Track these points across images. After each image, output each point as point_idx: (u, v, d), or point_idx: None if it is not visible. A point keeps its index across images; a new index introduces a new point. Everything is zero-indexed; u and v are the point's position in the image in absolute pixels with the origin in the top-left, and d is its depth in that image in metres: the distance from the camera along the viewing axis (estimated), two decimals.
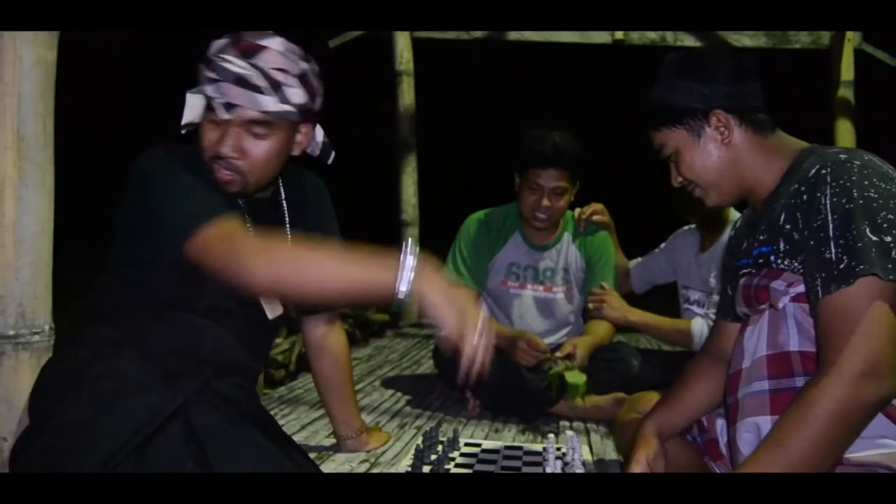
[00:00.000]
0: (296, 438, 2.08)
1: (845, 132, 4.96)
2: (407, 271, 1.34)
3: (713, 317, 2.59)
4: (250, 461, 1.41)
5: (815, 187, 1.33)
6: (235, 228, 1.45)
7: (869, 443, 1.28)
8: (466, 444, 2.18)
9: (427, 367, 3.53)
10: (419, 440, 2.10)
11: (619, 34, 4.95)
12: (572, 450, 1.94)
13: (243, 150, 1.54)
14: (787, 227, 1.38)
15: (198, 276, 1.46)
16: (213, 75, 1.51)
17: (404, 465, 1.97)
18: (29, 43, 1.60)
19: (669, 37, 5.01)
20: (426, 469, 1.91)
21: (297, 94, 1.55)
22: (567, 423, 2.56)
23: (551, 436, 2.10)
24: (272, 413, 1.82)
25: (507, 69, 16.58)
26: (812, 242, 1.31)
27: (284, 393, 2.91)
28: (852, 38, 4.97)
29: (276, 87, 1.53)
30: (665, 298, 3.20)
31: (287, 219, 1.77)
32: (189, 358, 1.53)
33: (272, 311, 1.73)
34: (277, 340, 4.44)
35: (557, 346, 2.79)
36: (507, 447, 2.17)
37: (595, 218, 2.97)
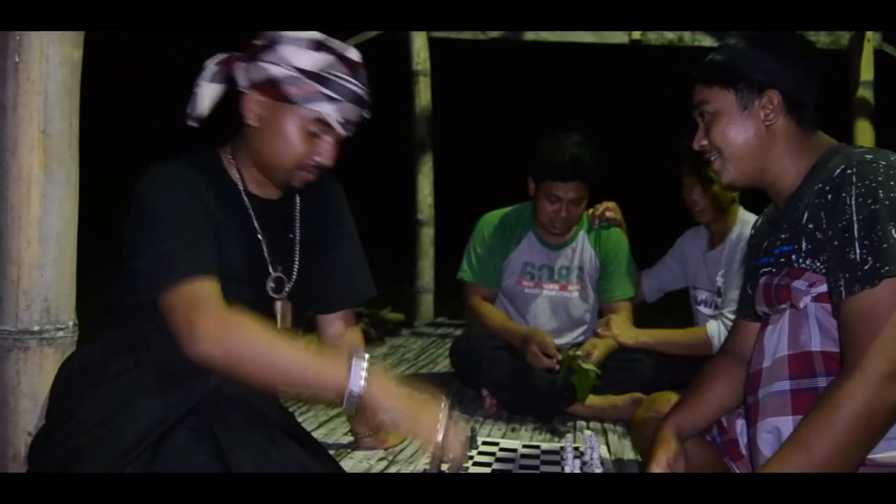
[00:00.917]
0: (314, 436, 2.09)
1: (864, 133, 4.92)
2: (358, 376, 1.39)
3: (727, 316, 2.60)
4: (266, 460, 1.40)
5: (841, 187, 1.32)
6: (202, 295, 1.45)
7: (892, 444, 1.28)
8: (484, 443, 2.19)
9: (443, 365, 3.53)
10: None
11: (637, 34, 4.93)
12: (590, 449, 1.94)
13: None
14: (810, 226, 1.38)
15: None
16: (331, 94, 1.56)
17: (422, 463, 1.98)
18: (55, 42, 1.61)
19: (687, 37, 4.99)
20: (444, 467, 1.91)
21: None
22: (584, 423, 2.56)
23: (569, 435, 2.10)
24: (289, 411, 1.82)
25: (523, 69, 16.54)
26: (836, 242, 1.31)
27: None
28: (872, 39, 4.93)
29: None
30: (680, 304, 3.19)
31: (297, 221, 1.79)
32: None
33: (283, 322, 1.77)
34: None
35: (573, 345, 2.79)
36: (525, 446, 2.17)
37: (608, 215, 2.97)
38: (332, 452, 1.99)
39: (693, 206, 2.76)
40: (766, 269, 1.51)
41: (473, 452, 2.08)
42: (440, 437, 1.41)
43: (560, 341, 2.81)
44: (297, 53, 1.55)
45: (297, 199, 1.80)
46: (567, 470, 1.81)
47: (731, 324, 2.59)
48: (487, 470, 1.94)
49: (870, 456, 1.27)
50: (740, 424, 1.65)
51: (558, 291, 2.92)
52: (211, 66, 1.61)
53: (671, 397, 1.87)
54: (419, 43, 5.12)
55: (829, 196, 1.34)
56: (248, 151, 1.67)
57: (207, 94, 1.58)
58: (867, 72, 4.94)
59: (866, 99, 4.94)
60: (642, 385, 2.60)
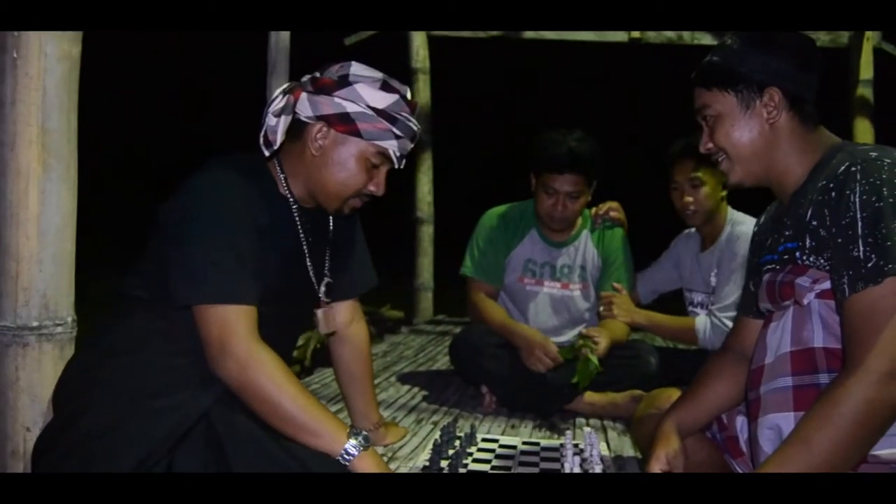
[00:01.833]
0: None
1: (864, 131, 4.92)
2: (349, 456, 1.50)
3: (716, 313, 2.61)
4: (271, 465, 1.44)
5: (845, 184, 1.31)
6: (237, 322, 1.51)
7: (895, 440, 1.28)
8: (484, 440, 2.18)
9: (443, 363, 3.53)
10: (437, 435, 2.10)
11: (636, 33, 4.93)
12: (590, 446, 1.94)
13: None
14: (814, 223, 1.37)
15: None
16: (398, 132, 1.67)
17: (422, 460, 1.98)
18: (54, 38, 1.61)
19: (686, 35, 4.99)
20: (444, 464, 1.92)
21: None
22: (584, 420, 2.56)
23: (569, 432, 2.10)
24: None
25: (523, 67, 16.55)
26: (840, 240, 1.30)
27: None
28: (871, 37, 4.93)
29: None
30: (675, 307, 3.19)
31: (331, 226, 1.88)
32: None
33: (328, 326, 1.92)
34: None
35: (573, 344, 2.79)
36: (524, 443, 2.17)
37: (612, 215, 2.97)
38: None
39: (683, 210, 2.78)
40: (769, 266, 1.51)
41: (473, 449, 2.08)
42: None
43: (560, 339, 2.81)
44: (371, 93, 1.64)
45: None
46: (566, 467, 1.81)
47: (718, 321, 2.62)
48: (487, 467, 1.94)
49: (872, 452, 1.27)
50: (740, 421, 1.65)
51: (560, 290, 2.92)
52: (279, 96, 1.64)
53: (671, 394, 1.87)
54: (418, 41, 5.12)
55: (834, 193, 1.34)
56: (302, 175, 1.72)
57: (282, 127, 1.62)
58: (867, 70, 4.94)
59: (865, 97, 4.95)
60: (642, 382, 2.60)
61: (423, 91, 5.13)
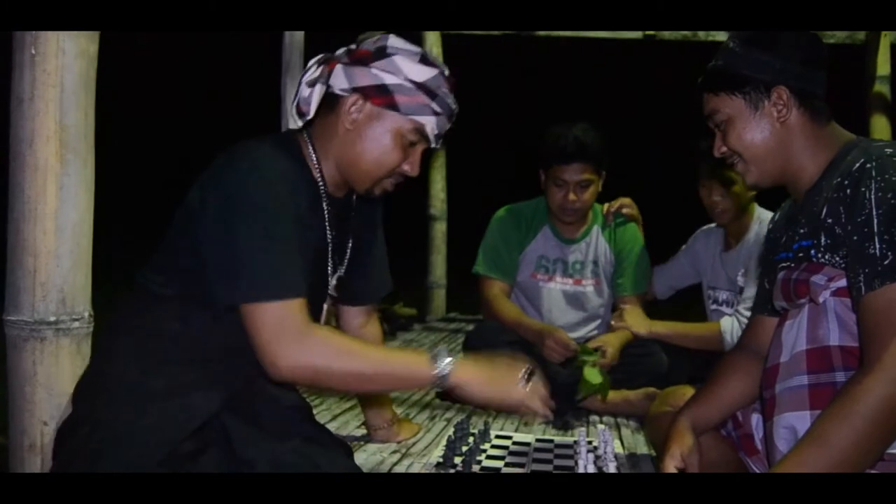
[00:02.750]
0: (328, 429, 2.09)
1: (881, 128, 4.87)
2: (443, 365, 1.50)
3: (743, 313, 2.58)
4: (283, 466, 1.45)
5: (860, 182, 1.31)
6: (289, 319, 1.44)
7: None
8: (497, 437, 2.19)
9: None
10: (450, 432, 2.11)
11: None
12: (604, 443, 1.94)
13: None
14: (829, 221, 1.37)
15: None
16: (436, 108, 1.60)
17: (435, 457, 1.98)
18: (71, 36, 1.62)
19: (701, 32, 4.96)
20: (458, 460, 1.92)
21: None
22: (597, 417, 2.55)
23: (582, 429, 2.10)
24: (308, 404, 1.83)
25: (536, 64, 16.51)
26: (855, 237, 1.30)
27: None
28: (888, 34, 4.89)
29: None
30: (687, 301, 3.18)
31: (353, 221, 1.80)
32: (237, 356, 1.53)
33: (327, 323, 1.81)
34: None
35: (587, 340, 2.79)
36: (538, 440, 2.17)
37: (624, 211, 2.96)
38: None
39: (713, 208, 2.72)
40: (784, 264, 1.50)
41: (486, 446, 2.08)
42: (521, 398, 1.57)
43: (574, 335, 2.80)
44: (410, 65, 1.58)
45: (355, 198, 1.79)
46: (580, 464, 1.81)
47: (745, 321, 2.59)
48: (500, 464, 1.94)
49: (889, 451, 1.26)
50: (756, 419, 1.64)
51: (572, 285, 2.92)
52: (313, 66, 1.61)
53: (686, 391, 1.87)
54: (432, 39, 5.10)
55: (849, 190, 1.33)
56: (333, 154, 1.64)
57: (316, 97, 1.57)
58: (883, 67, 4.89)
59: (882, 94, 4.90)
60: (656, 380, 2.60)
61: None
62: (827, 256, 1.38)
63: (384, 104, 1.58)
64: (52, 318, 1.63)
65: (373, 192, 1.67)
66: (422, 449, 2.11)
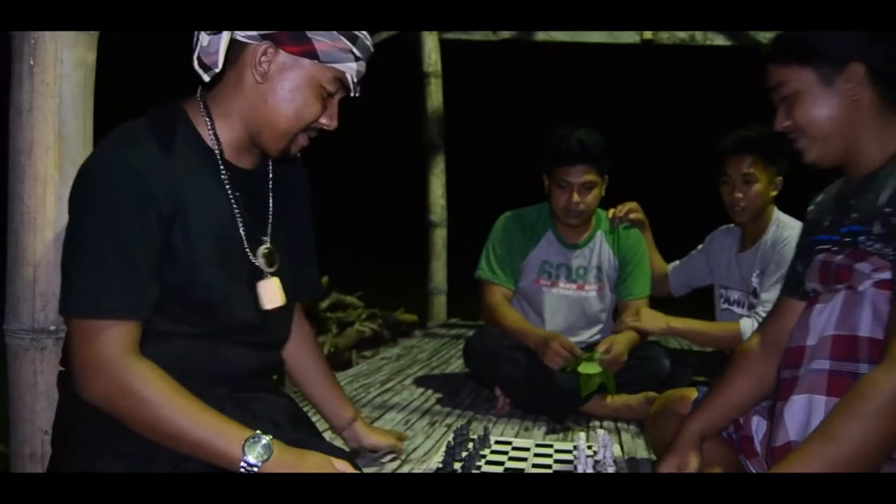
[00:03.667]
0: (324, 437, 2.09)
1: None
2: (254, 454, 1.30)
3: (762, 315, 2.56)
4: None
5: None
6: (103, 341, 1.28)
7: None
8: (497, 442, 2.19)
9: (456, 366, 3.54)
10: (450, 437, 2.11)
11: (648, 34, 4.92)
12: (603, 448, 1.94)
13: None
14: (888, 210, 1.31)
15: (203, 304, 1.42)
16: (358, 53, 1.44)
17: (435, 462, 1.98)
18: (69, 45, 1.63)
19: (699, 36, 4.97)
20: (457, 466, 1.92)
21: None
22: (598, 423, 2.55)
23: (582, 434, 2.10)
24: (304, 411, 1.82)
25: (535, 69, 16.54)
26: None
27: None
28: None
29: None
30: (698, 300, 3.18)
31: (271, 195, 1.59)
32: (205, 377, 1.46)
33: (270, 301, 1.53)
34: None
35: (589, 345, 2.79)
36: (537, 445, 2.17)
37: (631, 216, 2.96)
38: None
39: (733, 206, 2.71)
40: (824, 247, 1.45)
41: (486, 451, 2.08)
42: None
43: (575, 340, 2.80)
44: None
45: (270, 168, 1.60)
46: (580, 469, 1.81)
47: None
48: (500, 469, 1.94)
49: None
50: (756, 421, 1.63)
51: (575, 291, 2.92)
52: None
53: (686, 394, 1.86)
54: (430, 44, 5.12)
55: None
56: (239, 112, 1.45)
57: (223, 45, 1.36)
58: None
59: None
60: (657, 384, 2.60)
61: (435, 95, 5.13)
62: (878, 246, 1.32)
63: (301, 52, 1.40)
64: (52, 328, 1.63)
65: (289, 151, 1.49)
66: (422, 455, 2.11)
